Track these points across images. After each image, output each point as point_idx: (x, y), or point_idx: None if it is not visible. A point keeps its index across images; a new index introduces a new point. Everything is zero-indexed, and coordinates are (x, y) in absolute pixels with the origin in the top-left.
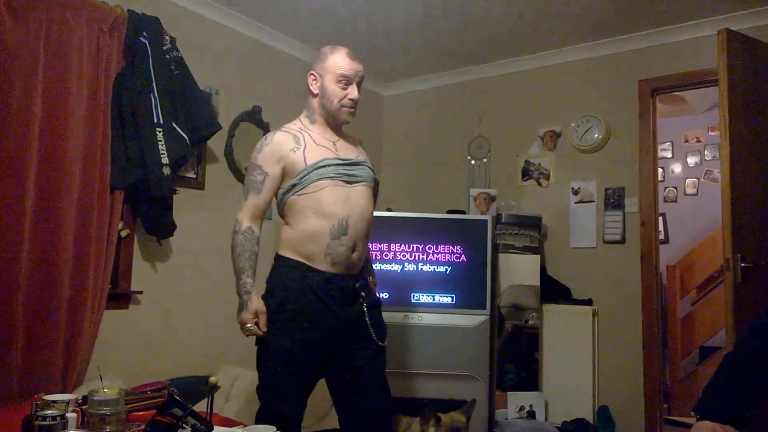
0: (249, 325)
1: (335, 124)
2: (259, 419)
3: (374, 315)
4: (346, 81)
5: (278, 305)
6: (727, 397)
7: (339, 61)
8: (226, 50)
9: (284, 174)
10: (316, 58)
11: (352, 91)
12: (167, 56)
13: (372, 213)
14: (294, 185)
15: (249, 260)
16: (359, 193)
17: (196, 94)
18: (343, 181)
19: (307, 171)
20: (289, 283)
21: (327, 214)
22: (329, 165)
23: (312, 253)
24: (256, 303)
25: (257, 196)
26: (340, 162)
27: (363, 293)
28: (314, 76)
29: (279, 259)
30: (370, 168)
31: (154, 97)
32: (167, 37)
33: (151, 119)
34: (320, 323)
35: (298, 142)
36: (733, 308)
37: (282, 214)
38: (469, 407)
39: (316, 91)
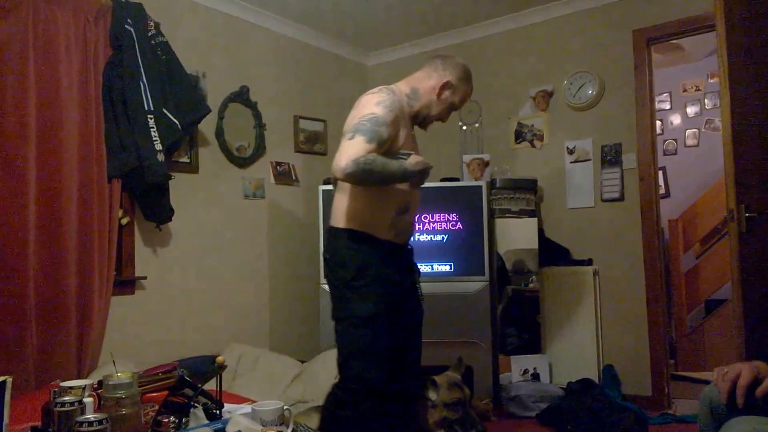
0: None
1: (416, 120)
2: (358, 392)
3: (420, 282)
4: (458, 107)
5: (355, 273)
6: None
7: (470, 90)
8: (210, 31)
9: None
10: (456, 72)
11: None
12: (153, 42)
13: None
14: None
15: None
16: None
17: (183, 79)
18: None
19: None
20: (359, 254)
21: (395, 192)
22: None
23: (376, 226)
24: (415, 157)
25: (376, 150)
26: None
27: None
28: (453, 89)
29: (342, 231)
30: None
31: (143, 84)
32: (151, 23)
33: (142, 106)
34: (393, 289)
35: (404, 123)
36: (739, 259)
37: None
38: (458, 365)
39: (442, 97)
